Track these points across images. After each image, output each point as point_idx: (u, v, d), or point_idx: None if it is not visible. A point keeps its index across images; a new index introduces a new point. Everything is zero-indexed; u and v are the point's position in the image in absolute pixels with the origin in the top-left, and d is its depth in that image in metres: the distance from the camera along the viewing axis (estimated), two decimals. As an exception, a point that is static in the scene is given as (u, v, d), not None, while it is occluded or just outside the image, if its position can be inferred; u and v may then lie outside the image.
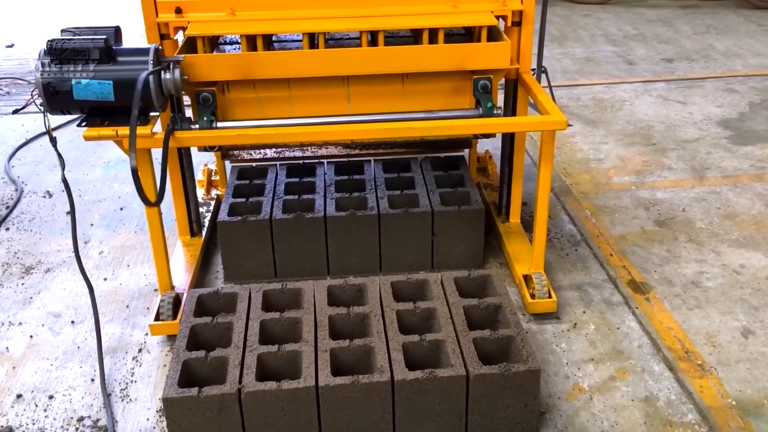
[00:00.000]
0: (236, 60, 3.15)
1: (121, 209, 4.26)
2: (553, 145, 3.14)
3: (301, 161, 3.97)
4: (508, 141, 3.69)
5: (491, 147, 4.56)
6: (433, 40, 3.19)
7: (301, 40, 3.30)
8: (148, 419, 2.73)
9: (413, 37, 3.66)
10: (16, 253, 3.83)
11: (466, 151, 4.19)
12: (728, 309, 3.28)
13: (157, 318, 3.16)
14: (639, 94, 5.79)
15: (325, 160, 3.96)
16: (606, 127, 5.19)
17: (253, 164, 3.96)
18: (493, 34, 3.34)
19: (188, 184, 3.72)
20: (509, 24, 3.32)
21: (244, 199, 3.60)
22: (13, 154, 4.99)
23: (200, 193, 4.32)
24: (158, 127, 3.01)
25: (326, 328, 2.68)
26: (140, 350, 3.10)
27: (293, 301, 2.89)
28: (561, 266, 3.61)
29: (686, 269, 3.57)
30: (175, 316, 3.13)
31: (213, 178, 4.41)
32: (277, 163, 3.95)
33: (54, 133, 2.87)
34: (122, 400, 2.82)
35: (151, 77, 2.79)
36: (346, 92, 3.27)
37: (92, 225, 4.10)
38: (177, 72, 2.90)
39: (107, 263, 3.73)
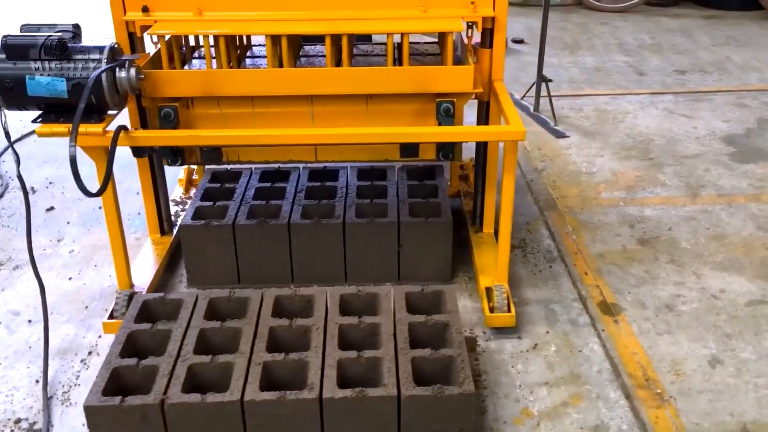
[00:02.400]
0: (198, 77, 3.14)
1: (100, 208, 4.23)
2: (516, 156, 3.03)
3: (277, 166, 3.93)
4: (482, 150, 3.59)
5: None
6: (401, 47, 3.12)
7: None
8: (83, 424, 2.68)
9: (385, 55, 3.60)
10: (-12, 248, 3.86)
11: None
12: (699, 336, 3.14)
13: (111, 316, 3.14)
14: (644, 106, 5.62)
15: (301, 166, 3.90)
16: (604, 139, 5.05)
17: (229, 167, 3.93)
18: (460, 57, 3.27)
19: (158, 182, 3.70)
20: (479, 30, 3.24)
21: (211, 203, 3.56)
22: (6, 149, 5.02)
23: (179, 191, 4.31)
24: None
25: (265, 340, 2.62)
26: (90, 353, 3.07)
27: (239, 310, 2.83)
28: (531, 283, 3.50)
29: (662, 292, 3.43)
30: (129, 317, 3.10)
31: (194, 177, 4.39)
32: (252, 167, 3.91)
33: None
34: (62, 404, 2.79)
35: (104, 75, 2.78)
36: (310, 111, 3.22)
37: (68, 223, 4.10)
38: (132, 71, 2.88)
39: (75, 262, 3.73)
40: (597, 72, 6.41)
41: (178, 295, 2.90)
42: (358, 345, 2.66)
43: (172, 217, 3.90)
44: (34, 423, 2.71)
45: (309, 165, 3.87)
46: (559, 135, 5.09)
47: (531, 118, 5.40)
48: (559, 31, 7.61)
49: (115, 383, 2.48)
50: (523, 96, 5.69)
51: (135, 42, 3.28)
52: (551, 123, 5.25)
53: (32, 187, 4.49)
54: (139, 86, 2.97)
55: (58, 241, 3.92)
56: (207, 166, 3.95)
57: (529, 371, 2.95)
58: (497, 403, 2.79)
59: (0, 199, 4.36)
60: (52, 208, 4.26)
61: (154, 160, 3.62)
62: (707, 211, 4.12)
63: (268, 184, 3.72)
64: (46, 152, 4.97)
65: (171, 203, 4.09)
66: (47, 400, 2.80)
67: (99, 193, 2.87)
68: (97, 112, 2.90)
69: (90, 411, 2.36)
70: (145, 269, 3.51)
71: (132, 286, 3.29)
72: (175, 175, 4.41)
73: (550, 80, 6.08)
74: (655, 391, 2.84)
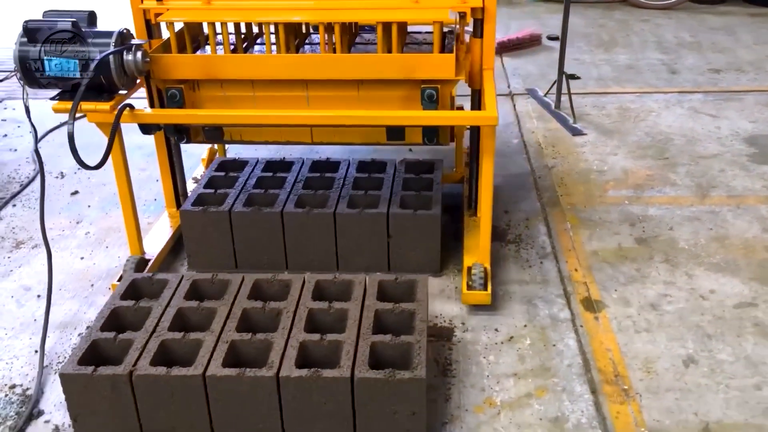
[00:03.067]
0: (199, 61, 3.31)
1: (119, 193, 4.47)
2: (493, 140, 3.12)
3: (282, 157, 4.07)
4: (476, 136, 3.65)
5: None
6: (402, 35, 3.22)
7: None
8: (71, 392, 2.88)
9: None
10: (13, 228, 4.11)
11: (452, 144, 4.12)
12: (679, 335, 3.13)
13: (119, 280, 3.36)
14: (670, 105, 5.54)
15: (305, 157, 4.04)
16: (621, 138, 5.01)
17: (236, 156, 4.10)
18: (449, 43, 3.34)
19: (174, 159, 3.92)
20: (468, 21, 3.31)
21: (212, 190, 3.73)
22: (44, 135, 5.31)
23: (201, 170, 4.52)
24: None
25: (236, 321, 2.76)
26: (88, 327, 3.26)
27: (219, 291, 2.98)
28: (519, 277, 3.53)
29: (650, 291, 3.42)
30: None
31: (216, 157, 4.59)
32: (258, 158, 4.07)
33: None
34: (55, 373, 2.99)
35: (111, 57, 3.00)
36: (305, 95, 3.35)
37: (89, 206, 4.33)
38: (139, 54, 3.09)
39: (89, 243, 3.95)
40: (628, 70, 6.33)
41: (165, 275, 3.06)
42: (328, 329, 2.77)
43: (190, 193, 4.10)
44: (28, 389, 2.92)
45: (312, 157, 4.01)
46: (576, 132, 5.08)
47: (551, 114, 5.39)
48: (598, 28, 7.53)
49: (94, 355, 2.65)
50: (546, 93, 5.68)
51: (151, 28, 3.51)
52: (570, 120, 5.23)
53: (61, 172, 4.75)
54: (146, 69, 3.19)
55: (77, 223, 4.15)
56: (221, 155, 4.12)
57: (499, 362, 3.00)
58: (462, 392, 2.85)
59: (31, 182, 4.63)
60: (76, 192, 4.50)
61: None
62: (713, 211, 4.06)
63: (270, 174, 3.86)
64: (79, 140, 5.22)
65: (191, 181, 4.31)
66: (42, 368, 3.00)
67: (98, 166, 3.07)
68: (107, 92, 3.15)
69: (64, 378, 2.54)
70: (158, 239, 3.78)
71: (143, 252, 3.54)
72: (200, 154, 4.61)
73: (578, 77, 6.07)
74: (622, 387, 2.86)
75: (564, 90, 5.37)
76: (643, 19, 7.80)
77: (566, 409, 2.76)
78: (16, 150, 5.10)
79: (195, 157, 4.65)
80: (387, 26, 3.24)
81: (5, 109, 5.84)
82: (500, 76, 6.26)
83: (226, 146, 4.76)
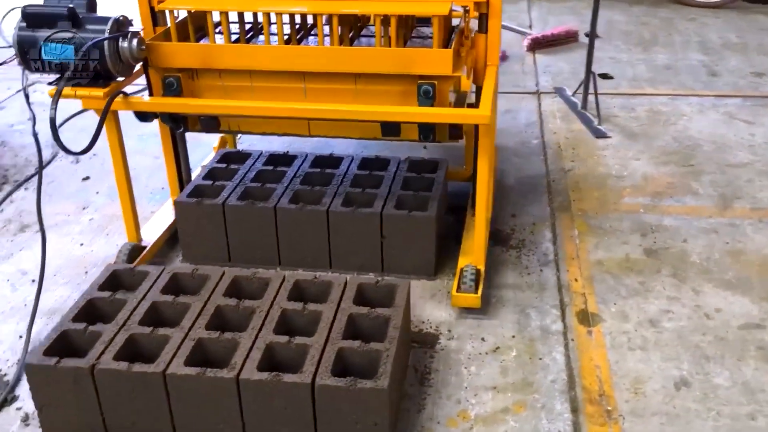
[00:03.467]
0: (196, 49, 3.27)
1: (129, 181, 4.48)
2: (490, 139, 3.09)
3: (286, 150, 4.02)
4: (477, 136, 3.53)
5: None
6: (406, 27, 3.13)
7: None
8: (46, 381, 2.88)
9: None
10: (21, 212, 4.15)
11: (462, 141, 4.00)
12: (675, 355, 2.96)
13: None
14: (704, 108, 5.29)
15: (307, 152, 3.98)
16: (647, 142, 4.80)
17: (246, 148, 4.06)
18: (448, 41, 3.24)
19: (179, 148, 3.90)
20: (472, 15, 3.19)
21: (210, 182, 3.70)
22: (66, 120, 5.37)
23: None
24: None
25: (208, 318, 2.71)
26: (74, 315, 3.27)
27: (198, 286, 2.94)
28: (516, 285, 3.40)
29: (651, 306, 3.25)
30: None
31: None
32: (262, 150, 4.02)
33: None
34: (35, 360, 3.00)
35: (106, 44, 2.99)
36: (303, 87, 3.28)
37: (98, 193, 4.36)
38: (135, 42, 3.09)
39: (91, 230, 3.96)
40: (665, 70, 6.07)
41: (146, 267, 3.04)
42: (300, 331, 2.71)
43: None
44: (5, 375, 2.94)
45: (324, 150, 3.94)
46: (600, 135, 4.89)
47: (576, 115, 5.21)
48: (640, 26, 7.25)
49: (64, 345, 2.64)
50: (574, 92, 5.49)
51: (156, 16, 3.47)
52: (595, 122, 5.04)
53: (77, 158, 4.79)
54: (141, 56, 3.17)
55: (83, 209, 4.18)
56: (231, 146, 4.09)
57: (480, 374, 2.89)
58: (437, 403, 2.75)
59: (46, 166, 4.68)
60: (87, 178, 4.54)
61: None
62: (733, 224, 3.85)
63: (270, 168, 3.80)
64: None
65: (201, 168, 4.27)
66: (25, 354, 3.01)
67: (84, 152, 3.08)
68: (104, 78, 3.15)
69: (29, 369, 2.53)
70: (156, 227, 3.78)
71: (140, 240, 3.54)
72: (212, 143, 4.57)
73: (611, 77, 5.86)
74: (605, 407, 2.72)
75: (591, 90, 5.17)
76: (690, 18, 7.49)
77: (542, 427, 2.64)
78: (38, 133, 5.16)
79: (207, 146, 4.64)
80: (387, 20, 3.14)
81: (34, 92, 5.90)
82: (530, 73, 6.09)
83: (239, 136, 4.74)
